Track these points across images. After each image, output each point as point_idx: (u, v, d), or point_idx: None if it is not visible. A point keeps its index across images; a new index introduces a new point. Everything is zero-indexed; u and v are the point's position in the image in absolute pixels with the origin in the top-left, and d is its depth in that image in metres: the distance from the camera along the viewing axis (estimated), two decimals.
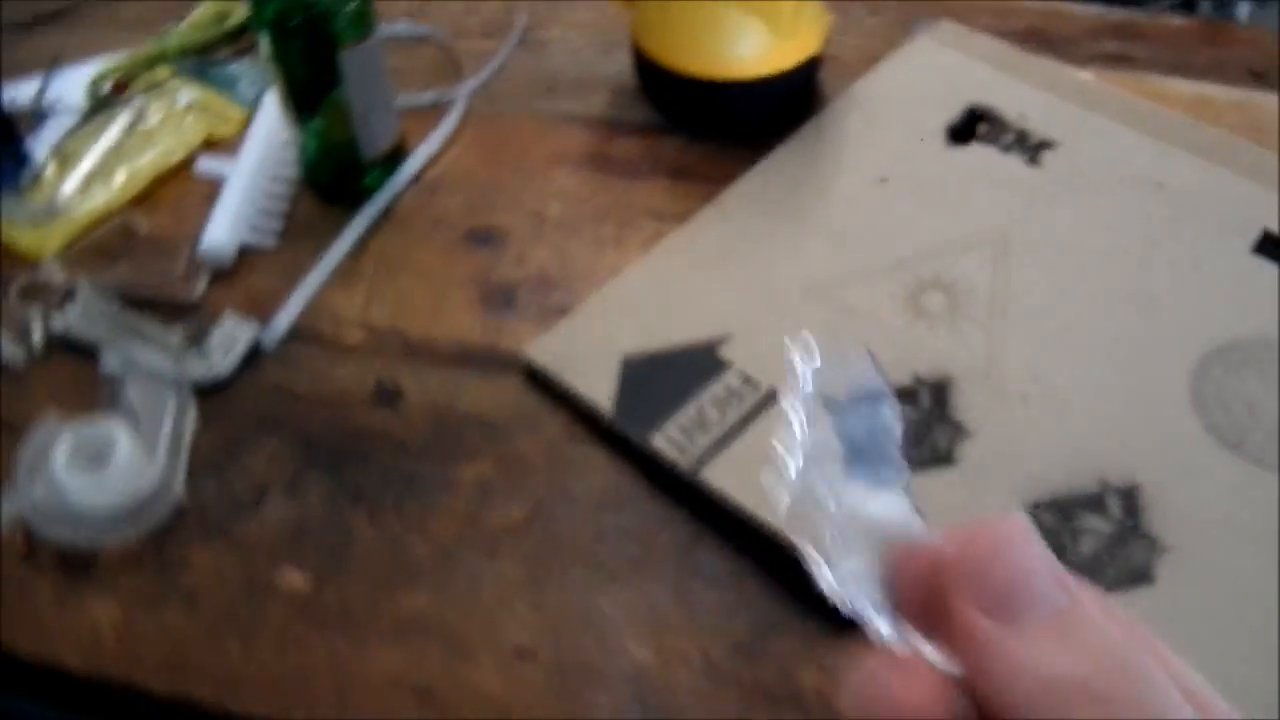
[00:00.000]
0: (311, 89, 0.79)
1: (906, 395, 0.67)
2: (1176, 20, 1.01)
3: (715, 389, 0.67)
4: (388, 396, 0.71)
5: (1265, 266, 0.75)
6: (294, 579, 0.64)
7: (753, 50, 0.82)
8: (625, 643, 0.61)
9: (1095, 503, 0.62)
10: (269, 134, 0.84)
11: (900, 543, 0.34)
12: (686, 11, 0.83)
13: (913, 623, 0.32)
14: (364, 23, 0.76)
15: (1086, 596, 0.30)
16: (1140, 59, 0.96)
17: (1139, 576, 0.60)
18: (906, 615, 0.33)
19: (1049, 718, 0.28)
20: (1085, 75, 0.89)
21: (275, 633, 0.62)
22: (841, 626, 0.55)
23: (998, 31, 0.96)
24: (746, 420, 0.66)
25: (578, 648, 0.61)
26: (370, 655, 0.61)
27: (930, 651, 0.31)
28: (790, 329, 0.66)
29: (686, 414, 0.66)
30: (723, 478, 0.63)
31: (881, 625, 0.33)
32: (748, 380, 0.68)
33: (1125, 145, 0.82)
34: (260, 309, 0.75)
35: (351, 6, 0.75)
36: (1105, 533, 0.61)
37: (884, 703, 0.31)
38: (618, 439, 0.67)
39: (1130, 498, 0.62)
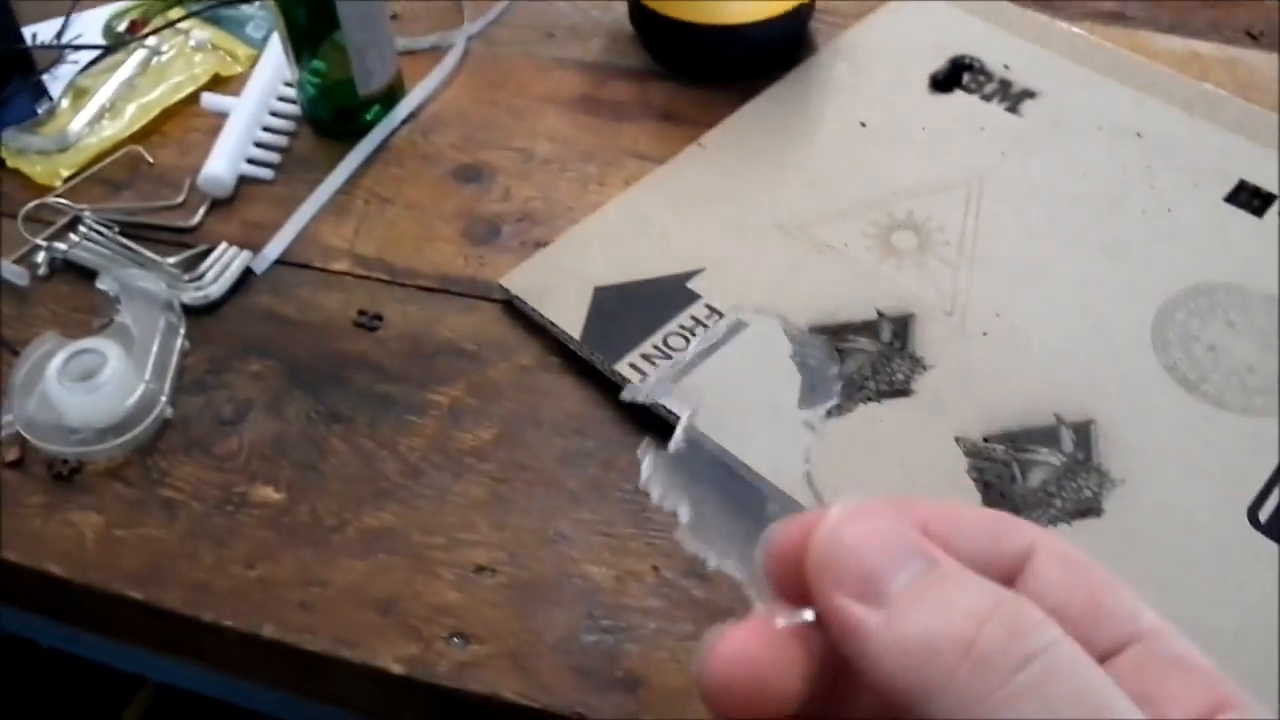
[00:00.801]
0: (312, 29, 0.79)
1: (868, 328, 0.66)
2: None
3: (682, 319, 0.67)
4: (369, 322, 0.71)
5: (1238, 215, 0.74)
6: (268, 493, 0.64)
7: None
8: (582, 562, 0.61)
9: (1048, 436, 0.62)
10: (273, 73, 0.85)
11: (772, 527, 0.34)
12: None
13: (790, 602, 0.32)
14: None
15: (943, 558, 0.30)
16: (1137, 17, 0.95)
17: (1087, 509, 0.60)
18: (784, 596, 0.33)
19: (930, 682, 0.28)
20: (1074, 29, 0.88)
21: (247, 544, 0.62)
22: None
23: None
24: (710, 349, 0.66)
25: (536, 565, 0.61)
26: (336, 568, 0.61)
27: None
28: (761, 263, 0.67)
29: (652, 342, 0.66)
30: (683, 405, 0.63)
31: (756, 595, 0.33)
32: (714, 311, 0.68)
33: (1107, 96, 0.82)
34: (255, 238, 0.76)
35: None
36: (1055, 465, 0.61)
37: (742, 663, 0.31)
38: (587, 366, 0.67)
39: (1083, 432, 0.62)
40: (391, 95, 0.83)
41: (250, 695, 0.76)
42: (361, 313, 0.72)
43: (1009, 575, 0.30)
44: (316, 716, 0.73)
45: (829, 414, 0.63)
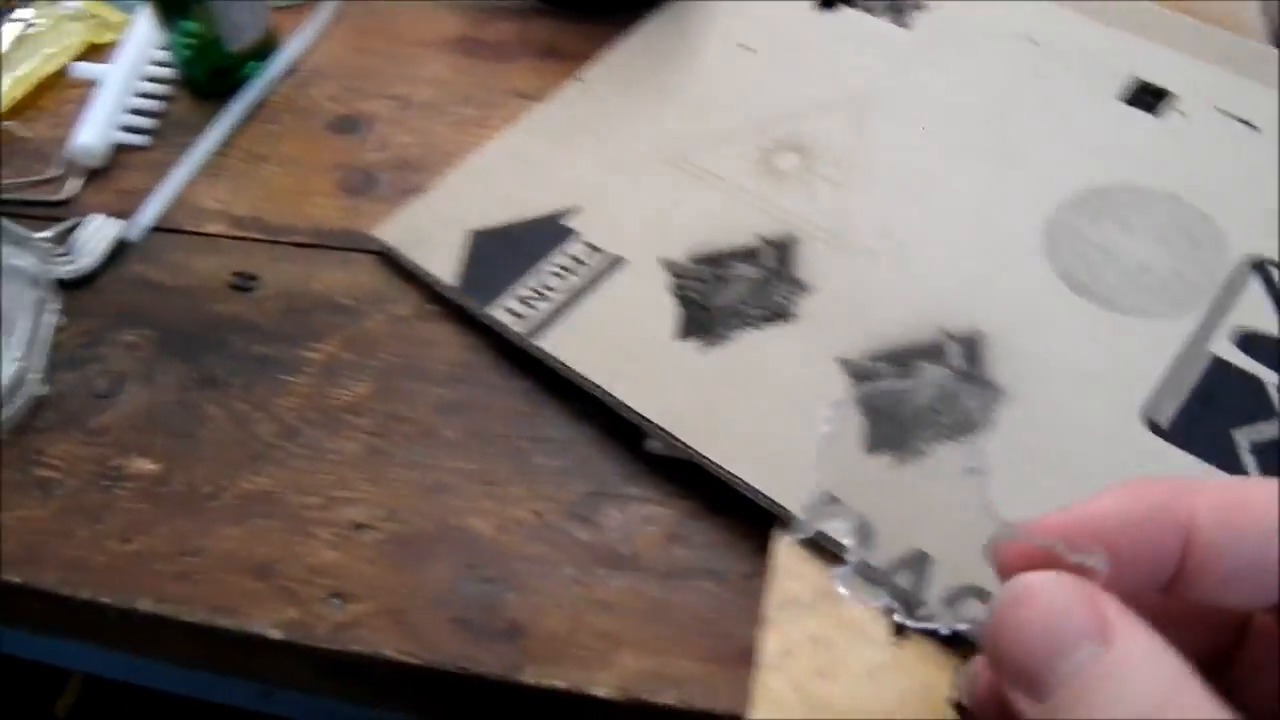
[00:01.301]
0: None
1: (749, 255, 0.64)
2: None
3: (559, 258, 0.65)
4: (244, 283, 0.68)
5: (1134, 115, 0.72)
6: (143, 465, 0.62)
7: None
8: (462, 512, 0.59)
9: (934, 352, 0.59)
10: (145, 37, 0.82)
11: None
12: None
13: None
14: None
15: (1125, 636, 0.30)
16: None
17: (975, 423, 0.57)
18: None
19: None
20: None
21: (123, 519, 0.59)
22: (676, 489, 0.53)
23: None
24: (587, 287, 0.63)
25: (415, 519, 0.59)
26: (213, 535, 0.59)
27: None
28: (641, 196, 0.64)
29: (528, 283, 0.63)
30: (559, 344, 0.61)
31: None
32: (592, 248, 0.65)
33: (998, 2, 0.78)
34: (131, 206, 0.73)
35: None
36: (942, 381, 0.58)
37: None
38: (465, 313, 0.64)
39: (971, 345, 0.60)
40: (265, 51, 0.80)
41: (168, 677, 0.73)
42: (236, 274, 0.69)
43: (1177, 551, 0.32)
44: (234, 692, 0.71)
45: (706, 344, 0.60)
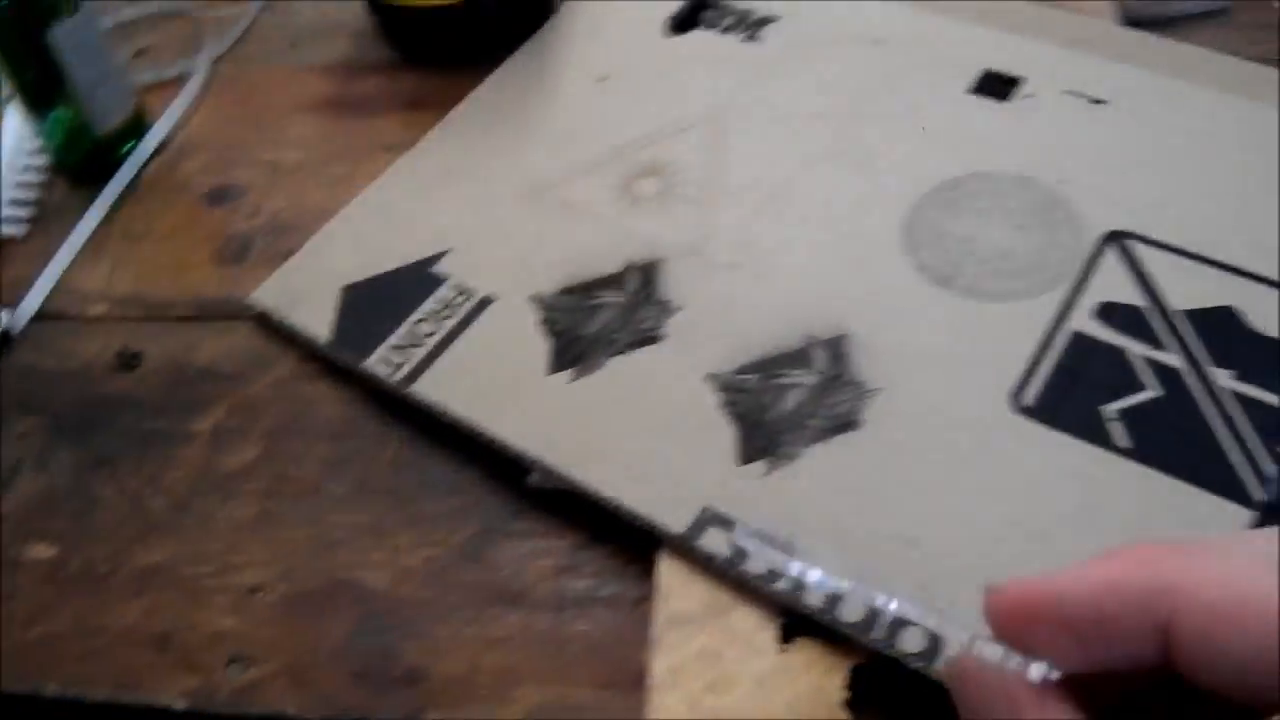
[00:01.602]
0: (41, 80, 0.77)
1: (615, 281, 0.64)
2: None
3: (429, 304, 0.65)
4: (129, 362, 0.68)
5: (984, 104, 0.73)
6: (41, 550, 0.62)
7: None
8: (354, 565, 0.59)
9: (800, 357, 0.60)
10: (17, 127, 0.81)
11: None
12: None
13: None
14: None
15: None
16: None
17: (845, 423, 0.58)
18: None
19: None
20: None
21: (24, 606, 0.60)
22: (563, 521, 0.53)
23: None
24: (459, 329, 0.64)
25: (308, 577, 0.59)
26: (112, 612, 0.59)
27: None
28: (507, 234, 0.64)
29: (402, 332, 0.64)
30: (435, 389, 0.61)
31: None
32: (461, 291, 0.65)
33: (845, 9, 0.81)
34: (13, 297, 0.73)
35: None
36: (810, 385, 0.59)
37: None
38: (345, 369, 0.64)
39: (836, 347, 0.60)
40: (136, 129, 0.81)
41: None
42: (120, 353, 0.69)
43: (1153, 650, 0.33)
44: None
45: (578, 374, 0.60)
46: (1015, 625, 0.36)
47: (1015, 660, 0.36)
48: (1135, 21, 0.82)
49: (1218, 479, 0.54)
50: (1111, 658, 0.34)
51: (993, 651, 0.37)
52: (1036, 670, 0.37)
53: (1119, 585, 0.34)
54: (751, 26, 0.80)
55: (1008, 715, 0.36)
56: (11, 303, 0.73)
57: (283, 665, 0.57)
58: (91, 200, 0.79)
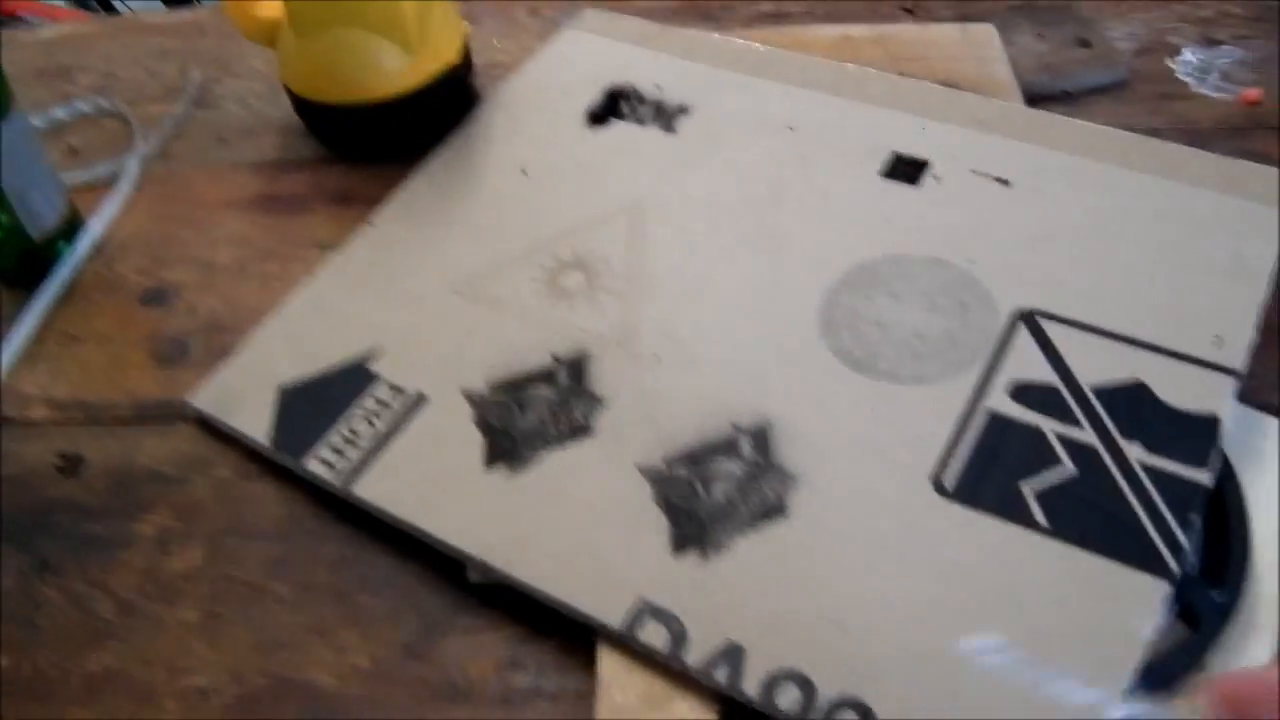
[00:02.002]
0: None
1: (545, 376, 0.65)
2: None
3: (365, 403, 0.66)
4: (71, 466, 0.68)
5: (894, 187, 0.75)
6: None
7: (386, 70, 0.81)
8: (300, 665, 0.60)
9: (727, 446, 0.61)
10: None
11: None
12: (316, 44, 0.81)
13: None
14: (1, 104, 0.73)
15: None
16: (795, 14, 0.96)
17: (772, 510, 0.59)
18: None
19: None
20: (721, 37, 0.87)
21: None
22: (504, 616, 0.53)
23: (655, 10, 0.96)
24: (394, 428, 0.64)
25: (256, 679, 0.60)
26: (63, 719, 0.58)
27: None
28: (438, 331, 0.65)
29: (338, 432, 0.64)
30: (372, 489, 0.62)
31: None
32: (395, 389, 0.66)
33: (757, 96, 0.82)
34: None
35: None
36: (737, 473, 0.60)
37: None
38: (284, 469, 0.64)
39: (761, 435, 0.62)
40: (70, 231, 0.81)
41: None
42: (62, 456, 0.69)
43: None
44: None
45: (512, 470, 0.61)
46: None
47: None
48: (1038, 97, 0.84)
49: (1135, 552, 0.56)
50: None
51: None
52: None
53: None
54: (667, 117, 0.82)
55: None
56: None
57: None
58: (27, 302, 0.79)
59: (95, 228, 0.83)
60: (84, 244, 0.81)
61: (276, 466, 0.67)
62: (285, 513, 0.66)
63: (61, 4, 2.10)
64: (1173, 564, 0.55)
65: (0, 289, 0.82)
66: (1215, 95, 0.86)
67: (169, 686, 0.60)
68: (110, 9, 2.16)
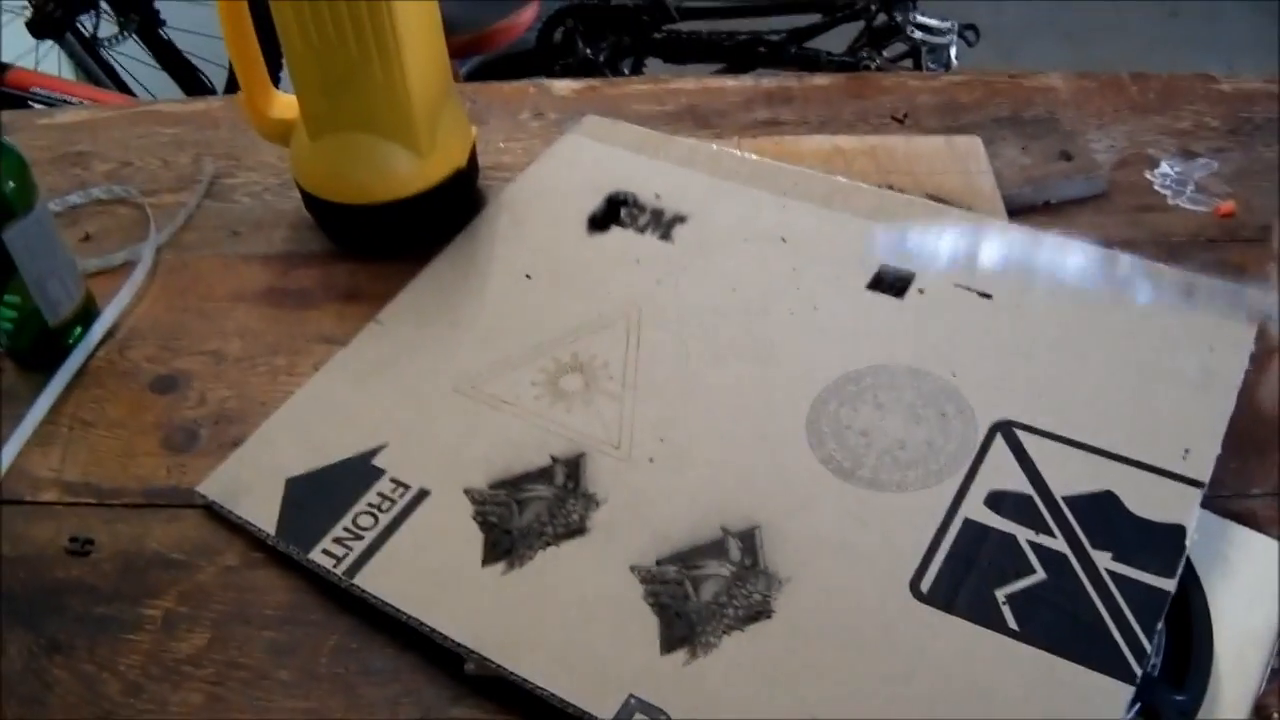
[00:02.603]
0: None
1: (543, 475, 0.68)
2: (822, 79, 1.04)
3: (369, 496, 0.68)
4: (81, 548, 0.70)
5: (880, 300, 0.78)
6: None
7: (397, 173, 0.84)
8: None
9: (716, 549, 0.64)
10: None
11: None
12: (329, 146, 0.85)
13: None
14: (25, 197, 0.77)
15: None
16: (789, 121, 0.99)
17: (759, 612, 0.62)
18: None
19: None
20: (719, 146, 0.91)
21: None
22: (499, 706, 0.60)
23: (655, 115, 0.99)
24: (396, 522, 0.67)
25: None
26: None
27: None
28: (440, 429, 0.68)
29: (343, 525, 0.67)
30: (375, 580, 0.65)
31: None
32: (398, 484, 0.69)
33: (752, 206, 0.86)
34: None
35: (11, 184, 0.76)
36: (725, 575, 0.63)
37: None
38: (289, 558, 0.67)
39: (749, 539, 0.64)
40: (85, 317, 0.83)
41: None
42: (73, 539, 0.71)
43: None
44: None
45: (510, 566, 0.64)
46: None
47: None
48: (1021, 208, 0.87)
49: (1100, 656, 0.59)
50: None
51: None
52: None
53: None
54: (665, 225, 0.85)
55: None
56: None
57: None
58: (41, 385, 0.81)
59: (109, 314, 0.85)
60: (98, 330, 0.84)
61: (281, 555, 0.69)
62: (289, 600, 0.68)
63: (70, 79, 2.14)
64: (1136, 667, 0.58)
65: (15, 371, 0.84)
66: (1191, 208, 0.89)
67: None
68: (121, 84, 2.19)
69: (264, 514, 0.69)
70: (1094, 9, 3.05)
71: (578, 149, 0.92)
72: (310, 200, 0.87)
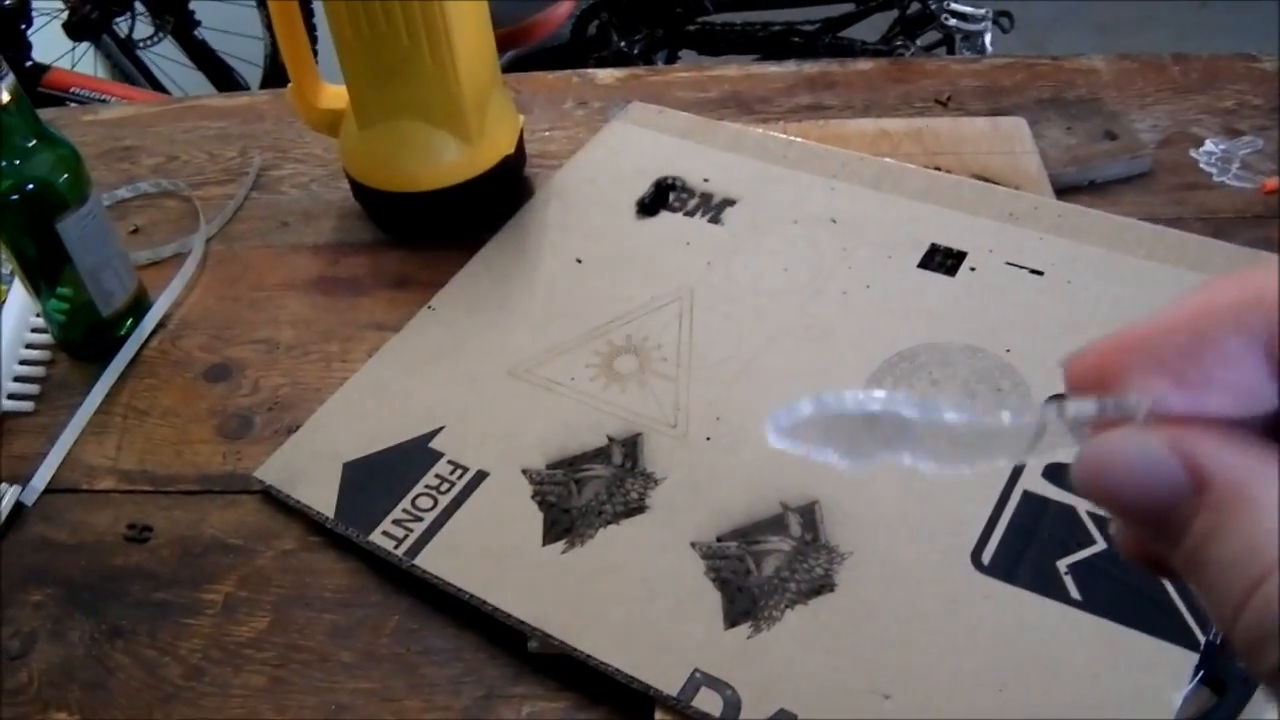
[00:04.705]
0: (43, 262, 0.80)
1: (600, 455, 0.68)
2: (864, 64, 1.04)
3: (428, 479, 0.68)
4: (139, 535, 0.71)
5: (932, 278, 0.77)
6: (62, 718, 0.63)
7: (446, 161, 0.84)
8: None
9: (776, 524, 0.64)
10: (21, 306, 0.84)
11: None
12: (379, 135, 0.85)
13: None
14: (79, 189, 0.78)
15: (1219, 477, 0.27)
16: (833, 106, 0.99)
17: (821, 586, 0.61)
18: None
19: None
20: (765, 131, 0.91)
21: None
22: (561, 684, 0.60)
23: (698, 102, 0.99)
24: (456, 504, 0.67)
25: None
26: None
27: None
28: (496, 412, 0.68)
29: (402, 507, 0.67)
30: (435, 562, 0.65)
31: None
32: (456, 467, 0.69)
33: (801, 189, 0.85)
34: (23, 470, 0.76)
35: (65, 177, 0.77)
36: (786, 550, 0.63)
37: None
38: (346, 540, 0.67)
39: (808, 514, 0.64)
40: (138, 308, 0.84)
41: None
42: (130, 526, 0.72)
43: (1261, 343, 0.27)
44: None
45: (570, 545, 0.64)
46: (1102, 378, 0.29)
47: (1111, 404, 0.29)
48: (1066, 188, 0.87)
49: (1163, 625, 0.59)
50: (1214, 398, 0.28)
51: (1084, 408, 0.29)
52: (1140, 401, 0.28)
53: (1207, 307, 0.28)
54: (715, 209, 0.85)
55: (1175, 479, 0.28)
56: (21, 476, 0.75)
57: None
58: (95, 376, 0.82)
59: (160, 305, 0.85)
60: (149, 321, 0.84)
61: (338, 539, 0.69)
62: (348, 583, 0.68)
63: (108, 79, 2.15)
64: (1200, 635, 0.57)
65: (68, 362, 0.84)
66: (1236, 185, 0.88)
67: None
68: (156, 84, 2.20)
69: (322, 498, 0.69)
70: (1122, 3, 3.04)
71: (624, 135, 0.92)
72: (359, 189, 0.87)
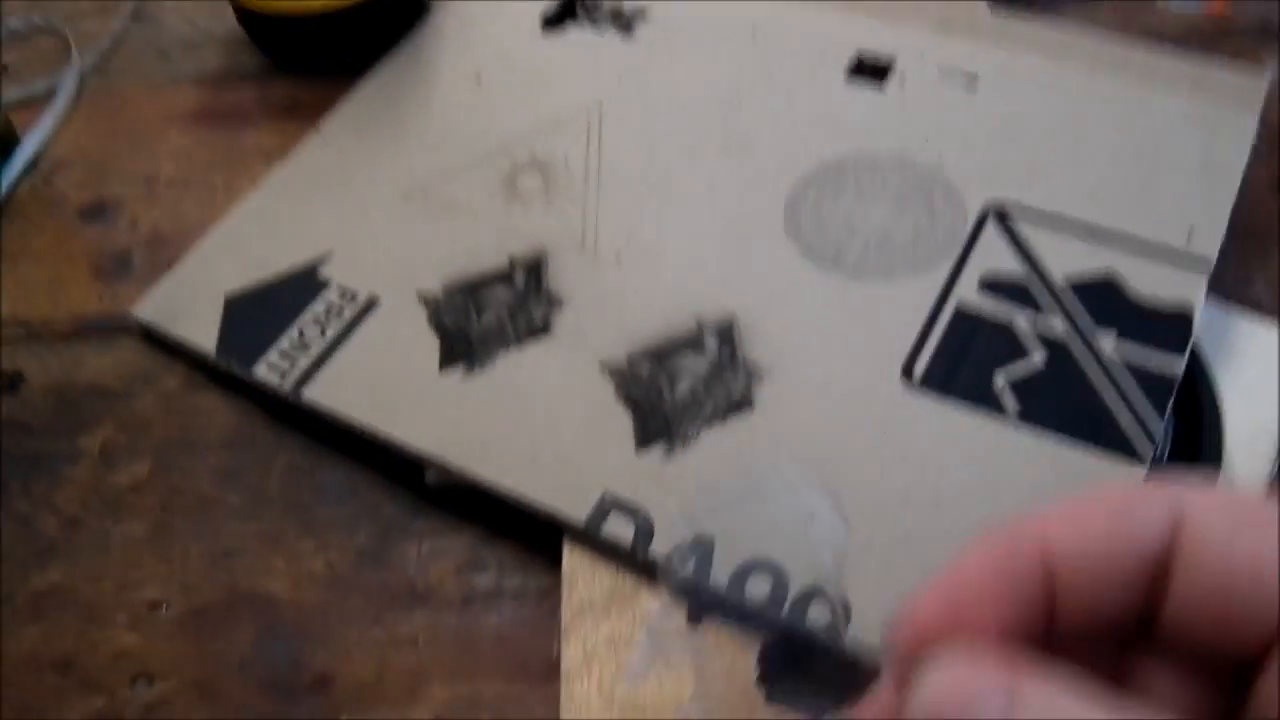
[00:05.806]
0: None
1: (502, 277, 0.65)
2: None
3: (315, 308, 0.65)
4: (10, 384, 0.67)
5: (859, 89, 0.74)
6: None
7: None
8: (254, 574, 0.59)
9: (691, 342, 0.61)
10: None
11: None
12: None
13: None
14: None
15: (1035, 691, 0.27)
16: None
17: (738, 404, 0.59)
18: None
19: None
20: None
21: None
22: (463, 518, 0.52)
23: None
24: (345, 332, 0.64)
25: (208, 590, 0.59)
26: (11, 639, 0.59)
27: None
28: (390, 236, 0.64)
29: (288, 338, 0.63)
30: (324, 393, 0.61)
31: None
32: (345, 293, 0.65)
33: (720, 1, 0.80)
34: None
35: None
36: (702, 369, 0.59)
37: None
38: (233, 378, 0.64)
39: (726, 331, 0.61)
40: (5, 149, 0.79)
41: None
42: (1, 375, 0.67)
43: (1159, 554, 0.28)
44: None
45: (469, 370, 0.60)
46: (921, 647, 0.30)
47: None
48: (1004, 4, 0.83)
49: (1107, 438, 0.56)
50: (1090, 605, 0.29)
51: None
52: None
53: (1105, 499, 0.30)
54: (625, 22, 0.81)
55: None
56: None
57: (189, 680, 0.56)
58: None
59: (30, 144, 0.81)
60: (19, 161, 0.80)
61: (225, 378, 0.66)
62: (235, 423, 0.65)
63: None
64: (1145, 448, 0.54)
65: None
66: (1181, 5, 0.85)
67: (119, 600, 0.59)
68: None
69: (203, 333, 0.65)
70: None
71: None
72: (244, 14, 0.83)
